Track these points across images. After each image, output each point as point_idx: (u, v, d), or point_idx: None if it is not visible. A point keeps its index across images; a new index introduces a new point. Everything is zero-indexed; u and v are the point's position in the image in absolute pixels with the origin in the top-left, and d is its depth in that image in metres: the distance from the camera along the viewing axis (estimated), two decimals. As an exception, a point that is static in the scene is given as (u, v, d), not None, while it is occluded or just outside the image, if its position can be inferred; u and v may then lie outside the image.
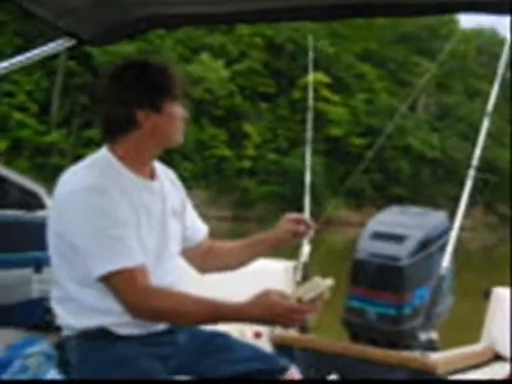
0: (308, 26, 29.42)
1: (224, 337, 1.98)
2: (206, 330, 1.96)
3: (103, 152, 1.90)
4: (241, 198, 31.80)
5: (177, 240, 2.00)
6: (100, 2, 1.77)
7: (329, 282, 1.75)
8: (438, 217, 3.86)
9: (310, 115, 4.31)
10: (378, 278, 3.53)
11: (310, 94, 4.34)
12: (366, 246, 3.61)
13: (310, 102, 4.30)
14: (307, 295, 1.70)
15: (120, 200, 1.80)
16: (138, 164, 1.90)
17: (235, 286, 2.20)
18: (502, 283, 3.72)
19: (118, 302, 1.74)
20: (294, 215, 2.12)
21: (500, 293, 3.53)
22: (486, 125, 4.04)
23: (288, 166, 31.02)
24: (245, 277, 2.65)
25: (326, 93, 33.99)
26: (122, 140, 1.88)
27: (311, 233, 2.12)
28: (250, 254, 2.14)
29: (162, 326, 1.87)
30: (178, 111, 1.90)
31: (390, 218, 3.79)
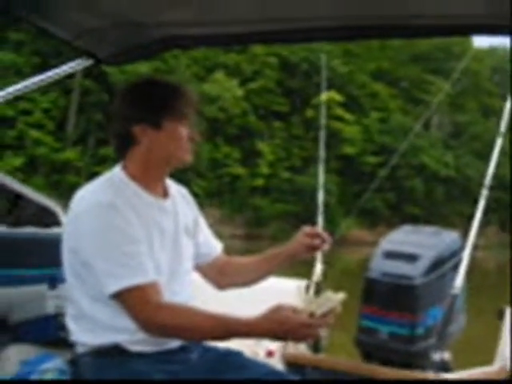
0: (322, 46, 29.57)
1: (237, 355, 1.97)
2: (218, 348, 1.96)
3: (117, 170, 1.92)
4: (254, 216, 31.80)
5: (189, 257, 2.01)
6: (117, 23, 1.80)
7: (341, 295, 1.74)
8: (450, 236, 3.85)
9: (322, 134, 4.34)
10: (390, 298, 3.53)
11: (323, 112, 4.38)
12: (379, 265, 3.61)
13: (323, 121, 4.34)
14: (320, 310, 1.69)
15: (132, 218, 1.81)
16: (150, 182, 1.91)
17: (247, 304, 2.20)
18: (517, 303, 3.70)
19: (131, 319, 1.74)
20: (309, 228, 2.12)
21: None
22: (499, 144, 4.04)
23: (301, 185, 31.03)
24: (257, 295, 2.66)
25: (339, 111, 34.06)
26: (128, 157, 1.90)
27: (326, 246, 2.10)
28: (267, 268, 2.14)
29: (175, 344, 1.87)
30: (182, 130, 1.90)
31: (402, 237, 3.79)
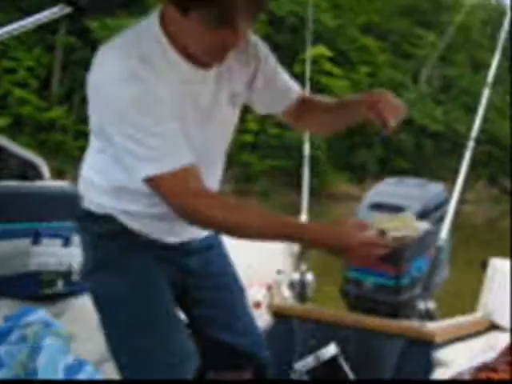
0: (310, 0, 29.11)
1: (234, 289, 1.96)
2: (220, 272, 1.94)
3: (153, 22, 1.62)
4: (243, 172, 31.83)
5: (226, 133, 1.84)
6: None
7: (424, 225, 1.59)
8: (436, 188, 3.86)
9: (307, 87, 4.30)
10: (375, 249, 3.55)
11: (308, 68, 4.33)
12: (364, 217, 3.62)
13: (307, 74, 4.30)
14: (394, 233, 1.53)
15: (162, 90, 1.59)
16: (188, 48, 1.62)
17: (233, 255, 2.21)
18: (504, 255, 3.74)
19: (170, 208, 1.61)
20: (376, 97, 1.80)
21: (496, 263, 3.55)
22: (486, 95, 4.02)
23: (290, 140, 30.97)
24: (243, 247, 2.66)
25: (328, 66, 33.78)
26: (167, 10, 1.60)
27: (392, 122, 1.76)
28: (343, 119, 1.97)
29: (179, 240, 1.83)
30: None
31: (387, 189, 3.79)
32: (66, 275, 2.64)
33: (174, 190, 1.58)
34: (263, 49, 1.84)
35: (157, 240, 1.80)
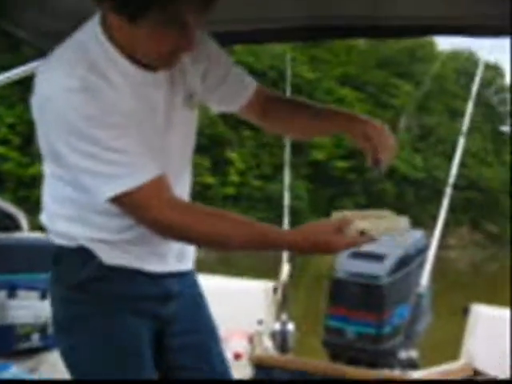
0: (288, 53, 29.70)
1: (210, 335, 1.84)
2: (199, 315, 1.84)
3: (95, 29, 1.53)
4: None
5: (188, 136, 1.73)
6: (78, 26, 1.78)
7: (404, 220, 1.55)
8: (416, 234, 3.89)
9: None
10: (357, 298, 3.55)
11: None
12: (345, 265, 3.63)
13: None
14: (375, 232, 1.48)
15: (115, 100, 1.48)
16: (136, 55, 1.53)
17: (213, 305, 2.18)
18: (490, 301, 3.74)
19: (144, 224, 1.51)
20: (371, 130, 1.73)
21: (478, 309, 3.55)
22: (461, 143, 4.10)
23: (272, 192, 31.11)
24: (222, 296, 2.64)
25: (308, 118, 34.20)
26: (110, 17, 1.49)
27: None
28: (317, 128, 1.87)
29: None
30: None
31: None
32: (42, 329, 2.59)
33: (145, 205, 1.47)
34: (213, 45, 1.75)
35: (139, 271, 1.65)
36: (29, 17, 2.21)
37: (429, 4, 2.00)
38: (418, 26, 2.17)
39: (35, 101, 1.49)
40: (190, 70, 1.67)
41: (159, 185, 1.49)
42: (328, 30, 2.25)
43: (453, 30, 2.15)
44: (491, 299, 4.13)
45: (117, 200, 1.47)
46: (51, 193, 1.65)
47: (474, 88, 4.30)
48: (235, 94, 1.81)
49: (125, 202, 1.47)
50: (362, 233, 1.48)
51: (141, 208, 1.47)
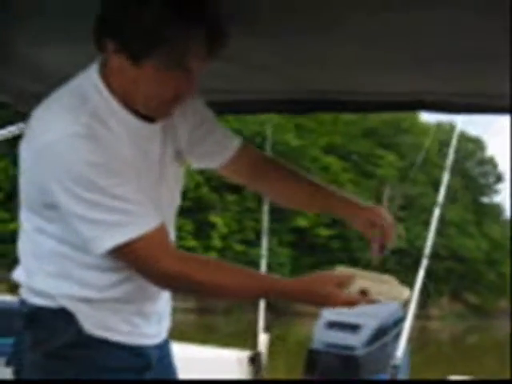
0: (274, 121, 30.13)
1: None
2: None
3: (93, 77, 1.53)
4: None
5: (176, 189, 1.73)
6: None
7: (406, 293, 1.55)
8: (392, 305, 3.90)
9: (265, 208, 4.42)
10: (333, 368, 3.53)
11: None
12: (321, 336, 3.63)
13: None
14: (376, 295, 1.49)
15: (117, 148, 1.47)
16: (135, 101, 1.53)
17: (186, 374, 2.16)
18: (472, 373, 3.73)
19: (142, 272, 1.49)
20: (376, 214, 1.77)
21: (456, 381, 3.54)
22: (436, 214, 4.17)
23: (254, 257, 31.01)
24: (196, 365, 2.61)
25: (292, 184, 34.43)
26: (108, 63, 1.51)
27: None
28: (311, 205, 1.91)
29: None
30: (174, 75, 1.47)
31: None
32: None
33: (148, 255, 1.45)
34: (200, 101, 1.76)
35: (122, 345, 1.60)
36: (12, 80, 2.25)
37: (414, 79, 2.08)
38: (401, 101, 2.25)
39: (31, 146, 1.47)
40: (180, 126, 1.68)
41: (161, 234, 1.48)
42: (312, 104, 2.33)
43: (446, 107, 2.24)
44: (471, 371, 4.12)
45: (118, 250, 1.44)
46: (31, 248, 1.59)
47: (450, 158, 4.41)
48: (217, 151, 1.81)
49: (126, 252, 1.45)
50: (363, 292, 1.47)
51: (143, 257, 1.46)
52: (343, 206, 1.83)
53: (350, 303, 1.50)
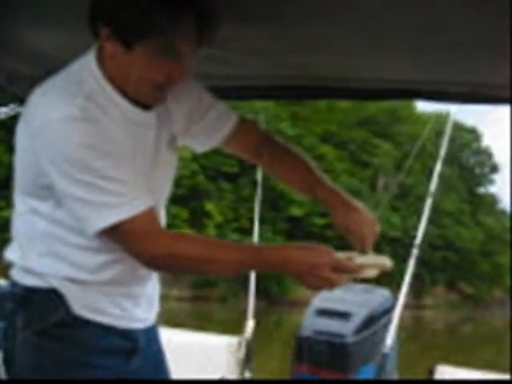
0: (270, 110, 30.08)
1: None
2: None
3: (90, 63, 1.56)
4: (202, 277, 31.57)
5: (169, 178, 1.75)
6: (52, 71, 1.83)
7: (388, 263, 1.61)
8: (382, 294, 3.91)
9: (258, 193, 4.42)
10: (322, 356, 3.54)
11: (260, 174, 4.49)
12: (311, 323, 3.63)
13: (259, 178, 4.44)
14: (361, 260, 1.57)
15: (112, 131, 1.50)
16: (131, 88, 1.56)
17: (175, 359, 2.16)
18: (462, 363, 3.74)
19: (133, 253, 1.51)
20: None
21: (444, 370, 3.55)
22: (428, 204, 4.17)
23: (250, 245, 31.05)
24: (185, 351, 2.61)
25: (287, 173, 34.45)
26: (104, 50, 1.54)
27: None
28: (310, 195, 1.90)
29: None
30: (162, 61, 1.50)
31: (334, 295, 3.82)
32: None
33: (139, 235, 1.48)
34: (194, 84, 1.78)
35: (110, 328, 1.62)
36: (4, 62, 2.24)
37: (408, 68, 2.07)
38: (399, 89, 2.24)
39: (28, 128, 1.50)
40: (175, 112, 1.71)
41: (151, 216, 1.51)
42: (309, 90, 2.32)
43: (438, 96, 2.23)
44: (464, 361, 4.14)
45: (111, 230, 1.46)
46: (24, 229, 1.63)
47: (443, 147, 4.40)
48: (217, 127, 1.84)
49: (117, 233, 1.47)
50: (349, 259, 1.55)
51: (133, 238, 1.48)
52: (328, 198, 1.84)
53: (341, 265, 1.52)
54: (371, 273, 1.60)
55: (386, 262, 1.61)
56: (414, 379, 3.07)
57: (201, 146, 1.92)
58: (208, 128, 1.83)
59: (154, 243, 1.49)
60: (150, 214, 1.50)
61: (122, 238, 1.49)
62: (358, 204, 1.82)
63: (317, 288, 1.55)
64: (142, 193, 1.51)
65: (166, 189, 1.75)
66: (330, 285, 1.53)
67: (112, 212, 1.45)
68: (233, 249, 1.55)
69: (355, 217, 1.78)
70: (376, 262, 1.61)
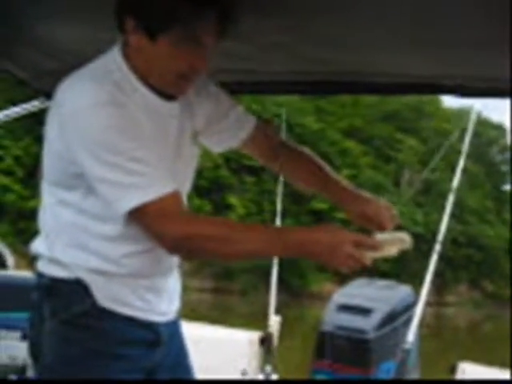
0: (294, 104, 30.00)
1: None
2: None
3: (115, 56, 1.62)
4: (223, 269, 31.65)
5: (191, 170, 1.79)
6: (77, 66, 1.86)
7: (408, 240, 1.63)
8: (404, 290, 3.90)
9: (280, 187, 4.42)
10: (343, 351, 3.53)
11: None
12: (332, 319, 3.63)
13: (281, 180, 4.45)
14: (381, 236, 1.59)
15: (139, 117, 1.56)
16: (155, 79, 1.62)
17: (198, 354, 2.17)
18: (488, 361, 3.72)
19: (158, 234, 1.53)
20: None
21: (465, 368, 3.53)
22: (450, 200, 4.14)
23: (272, 239, 31.00)
24: (208, 346, 2.63)
25: (311, 167, 34.39)
26: (129, 43, 1.60)
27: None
28: (319, 189, 1.97)
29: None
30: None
31: (356, 291, 3.82)
32: (20, 370, 2.55)
33: (166, 217, 1.50)
34: (213, 86, 1.85)
35: (133, 319, 1.65)
36: (29, 58, 2.27)
37: (429, 63, 2.06)
38: (420, 84, 2.23)
39: (57, 117, 1.55)
40: (197, 108, 1.76)
41: (178, 198, 1.54)
42: (330, 85, 2.32)
43: (448, 89, 2.21)
44: (486, 359, 4.11)
45: (137, 211, 1.49)
46: (51, 220, 1.67)
47: (466, 143, 4.37)
48: (236, 128, 1.89)
49: (144, 213, 1.49)
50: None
51: (158, 219, 1.50)
52: (342, 194, 1.92)
53: (360, 242, 1.54)
54: (392, 250, 1.61)
55: (404, 237, 1.63)
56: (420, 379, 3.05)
57: (218, 146, 1.96)
58: (228, 129, 1.88)
59: (178, 224, 1.51)
60: (174, 196, 1.53)
61: (146, 219, 1.51)
62: (372, 196, 1.88)
63: (342, 265, 1.55)
64: (166, 175, 1.55)
65: (187, 181, 1.78)
66: (355, 261, 1.53)
67: (138, 193, 1.48)
68: (253, 230, 1.58)
69: (371, 205, 1.85)
70: (395, 237, 1.62)
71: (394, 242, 1.61)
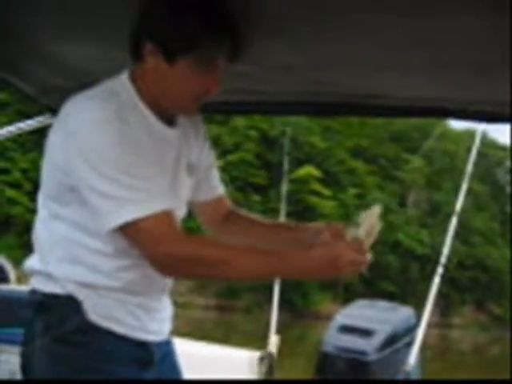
0: (301, 123, 30.07)
1: None
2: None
3: (124, 79, 1.67)
4: (227, 287, 31.55)
5: (186, 198, 1.81)
6: (84, 83, 1.88)
7: (376, 209, 1.65)
8: (405, 312, 3.89)
9: (283, 205, 4.44)
10: (344, 373, 3.53)
11: (284, 188, 4.52)
12: (333, 339, 3.63)
13: (284, 190, 4.47)
14: (361, 231, 1.60)
15: (141, 136, 1.60)
16: (160, 106, 1.67)
17: (197, 373, 2.17)
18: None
19: (148, 254, 1.53)
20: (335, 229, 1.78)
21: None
22: (454, 222, 4.14)
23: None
24: (208, 365, 2.63)
25: (317, 186, 34.40)
26: (139, 67, 1.65)
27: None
28: (279, 246, 1.91)
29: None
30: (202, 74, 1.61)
31: (357, 312, 3.82)
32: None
33: (158, 234, 1.51)
34: (204, 129, 1.90)
35: (126, 338, 1.65)
36: (37, 73, 2.31)
37: (433, 86, 2.08)
38: (425, 107, 2.24)
39: (62, 130, 1.59)
40: (193, 143, 1.81)
41: (171, 217, 1.55)
42: (338, 107, 2.34)
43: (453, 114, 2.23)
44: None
45: (130, 226, 1.50)
46: (45, 235, 1.69)
47: (470, 164, 4.38)
48: (207, 187, 1.92)
49: (137, 230, 1.51)
50: (356, 240, 1.59)
51: (150, 237, 1.51)
52: (312, 231, 1.86)
53: (356, 261, 1.57)
54: (376, 229, 1.63)
55: (375, 209, 1.64)
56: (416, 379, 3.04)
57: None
58: (202, 183, 1.89)
59: (170, 244, 1.52)
60: (170, 215, 1.54)
61: (138, 235, 1.52)
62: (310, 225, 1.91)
63: (347, 274, 1.59)
64: (163, 193, 1.57)
65: (183, 207, 1.79)
66: (357, 265, 1.58)
67: (133, 208, 1.50)
68: (252, 252, 1.59)
69: (316, 233, 1.81)
70: (366, 220, 1.62)
71: (370, 225, 1.62)
